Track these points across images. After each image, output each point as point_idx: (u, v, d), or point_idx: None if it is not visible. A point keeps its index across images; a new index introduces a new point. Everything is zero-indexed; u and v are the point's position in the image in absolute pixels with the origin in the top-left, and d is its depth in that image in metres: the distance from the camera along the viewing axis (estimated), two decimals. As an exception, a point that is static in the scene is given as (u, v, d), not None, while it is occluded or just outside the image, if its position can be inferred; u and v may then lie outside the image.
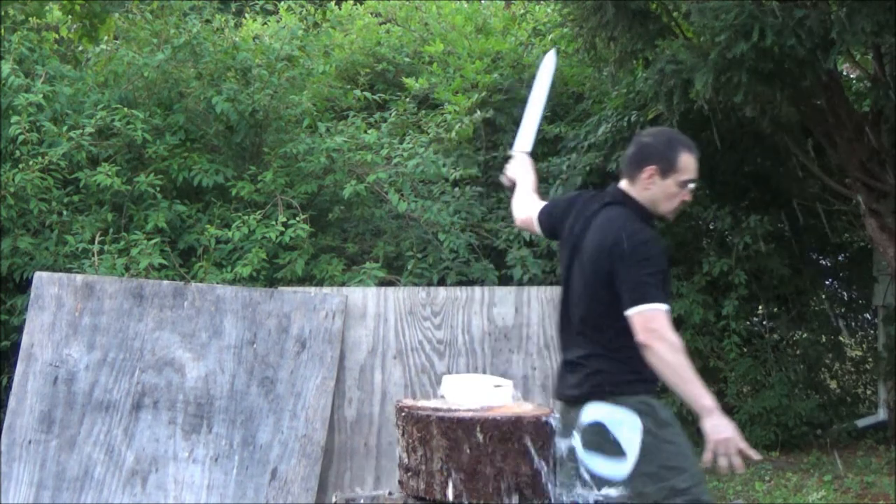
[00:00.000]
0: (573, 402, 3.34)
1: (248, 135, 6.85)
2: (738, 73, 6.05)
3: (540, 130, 8.35)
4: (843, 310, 9.11)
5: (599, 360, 3.32)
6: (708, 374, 8.06)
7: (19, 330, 5.42)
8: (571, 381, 3.36)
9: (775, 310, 8.45)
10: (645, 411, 3.25)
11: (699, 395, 3.17)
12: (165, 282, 4.97)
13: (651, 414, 3.26)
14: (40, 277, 4.94)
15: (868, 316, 9.02)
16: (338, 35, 9.07)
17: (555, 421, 3.28)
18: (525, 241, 7.28)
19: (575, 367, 3.36)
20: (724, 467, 3.14)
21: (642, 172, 3.37)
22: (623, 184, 3.45)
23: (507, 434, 3.03)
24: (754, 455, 3.15)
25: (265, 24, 9.29)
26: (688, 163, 3.37)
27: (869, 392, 8.75)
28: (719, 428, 3.15)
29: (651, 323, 3.17)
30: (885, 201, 6.96)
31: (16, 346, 5.35)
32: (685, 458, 3.29)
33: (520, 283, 6.82)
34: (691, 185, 3.39)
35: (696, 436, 3.34)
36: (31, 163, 6.09)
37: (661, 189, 3.37)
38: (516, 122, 8.43)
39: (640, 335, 3.17)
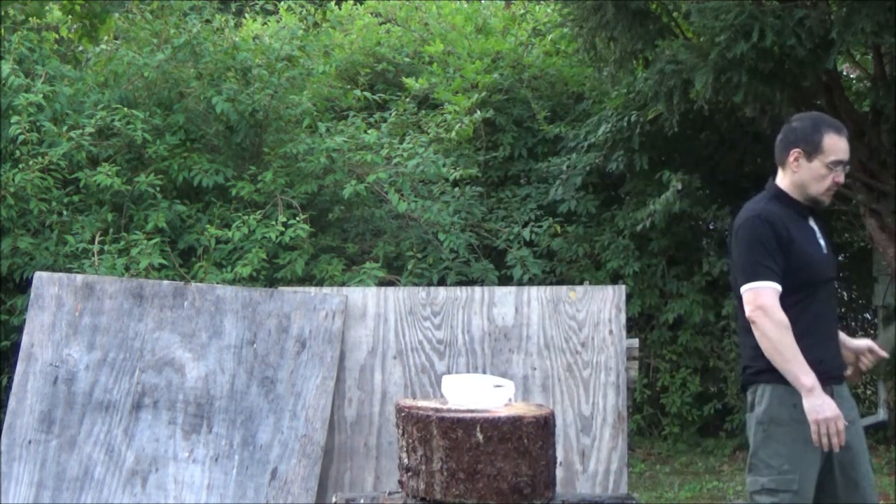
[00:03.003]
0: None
1: (248, 135, 6.85)
2: (738, 73, 6.05)
3: (540, 130, 8.43)
4: (843, 310, 9.11)
5: (744, 349, 3.50)
6: (708, 375, 8.08)
7: (19, 330, 5.42)
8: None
9: (775, 310, 8.44)
10: (765, 402, 3.33)
11: (800, 373, 3.24)
12: (165, 282, 4.97)
13: (768, 406, 3.33)
14: (40, 277, 4.94)
15: (868, 316, 9.02)
16: (338, 35, 9.06)
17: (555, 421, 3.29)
18: (525, 241, 7.29)
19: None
20: (826, 445, 3.22)
21: (789, 156, 3.46)
22: (778, 173, 3.57)
23: (506, 434, 3.03)
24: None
25: (265, 24, 9.29)
26: (833, 144, 3.41)
27: (869, 392, 8.75)
28: (818, 408, 3.21)
29: (759, 300, 3.28)
30: (885, 201, 6.96)
31: (16, 346, 5.35)
32: (787, 461, 3.29)
33: (520, 283, 6.82)
34: (840, 167, 3.43)
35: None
36: (31, 163, 6.09)
37: (808, 172, 3.44)
38: (516, 122, 8.53)
39: (748, 311, 3.30)
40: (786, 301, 3.33)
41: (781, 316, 3.25)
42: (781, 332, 3.24)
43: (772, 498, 3.26)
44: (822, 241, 3.52)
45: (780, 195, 3.50)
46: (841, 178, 3.47)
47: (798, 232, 3.44)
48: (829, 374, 3.34)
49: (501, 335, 4.74)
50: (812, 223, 3.54)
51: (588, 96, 8.74)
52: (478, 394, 3.24)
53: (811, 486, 3.28)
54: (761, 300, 3.27)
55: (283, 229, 6.18)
